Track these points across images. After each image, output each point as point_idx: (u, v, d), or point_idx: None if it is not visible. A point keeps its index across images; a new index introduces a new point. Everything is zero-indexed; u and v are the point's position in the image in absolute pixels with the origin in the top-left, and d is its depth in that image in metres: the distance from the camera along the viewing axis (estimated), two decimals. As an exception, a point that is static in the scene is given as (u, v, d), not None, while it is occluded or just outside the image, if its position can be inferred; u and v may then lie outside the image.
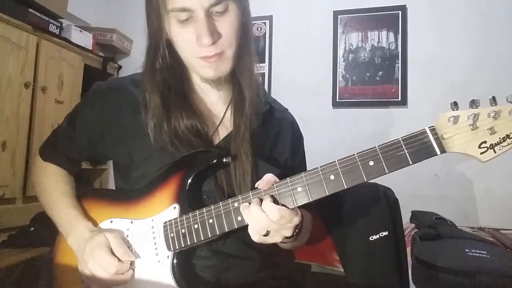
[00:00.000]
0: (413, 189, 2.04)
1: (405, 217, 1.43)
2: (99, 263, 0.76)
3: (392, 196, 1.17)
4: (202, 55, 0.78)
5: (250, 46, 0.86)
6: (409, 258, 1.24)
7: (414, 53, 2.25)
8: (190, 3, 0.74)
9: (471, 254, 1.22)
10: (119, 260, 0.77)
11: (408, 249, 1.28)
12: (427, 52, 2.22)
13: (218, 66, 0.79)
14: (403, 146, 0.64)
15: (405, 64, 2.25)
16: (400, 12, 2.27)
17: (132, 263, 0.80)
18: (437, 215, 1.63)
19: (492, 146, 0.60)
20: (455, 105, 0.62)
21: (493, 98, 0.60)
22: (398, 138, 0.64)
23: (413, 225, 1.67)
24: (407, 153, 0.63)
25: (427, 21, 2.24)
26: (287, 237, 0.71)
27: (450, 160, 2.06)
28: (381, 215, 1.13)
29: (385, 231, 1.10)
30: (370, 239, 1.09)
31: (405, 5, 2.26)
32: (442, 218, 1.59)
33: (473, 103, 0.61)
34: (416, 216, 1.69)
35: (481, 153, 0.60)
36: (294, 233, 0.71)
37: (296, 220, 0.69)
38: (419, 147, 0.63)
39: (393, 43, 2.28)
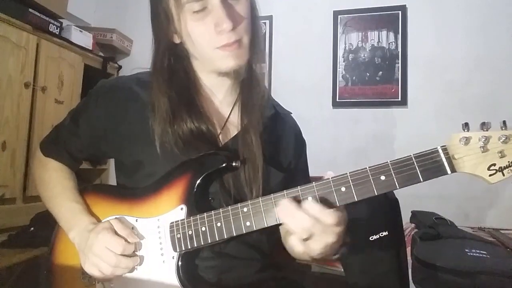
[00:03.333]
0: (413, 189, 2.03)
1: (405, 217, 1.43)
2: (105, 244, 0.76)
3: (392, 196, 1.17)
4: (222, 43, 0.77)
5: (260, 41, 0.87)
6: (409, 258, 1.24)
7: (414, 53, 2.25)
8: None
9: (471, 254, 1.22)
10: (125, 240, 0.77)
11: (408, 249, 1.29)
12: (427, 52, 2.22)
13: (238, 54, 0.79)
14: (415, 163, 0.64)
15: (405, 64, 2.25)
16: (400, 12, 2.27)
17: (136, 246, 0.80)
18: (437, 215, 1.63)
19: (501, 169, 0.61)
20: (466, 126, 0.63)
21: (504, 122, 0.62)
22: (410, 155, 0.65)
23: (413, 225, 1.67)
24: (418, 171, 0.64)
25: (427, 21, 2.24)
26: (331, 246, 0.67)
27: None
28: (381, 215, 1.13)
29: (385, 231, 1.10)
30: (370, 239, 1.10)
31: (405, 5, 2.27)
32: (442, 218, 1.59)
33: (484, 125, 0.62)
34: (416, 216, 1.69)
35: (490, 175, 0.62)
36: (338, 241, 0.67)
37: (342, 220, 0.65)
38: (431, 166, 0.64)
39: (393, 43, 2.28)
